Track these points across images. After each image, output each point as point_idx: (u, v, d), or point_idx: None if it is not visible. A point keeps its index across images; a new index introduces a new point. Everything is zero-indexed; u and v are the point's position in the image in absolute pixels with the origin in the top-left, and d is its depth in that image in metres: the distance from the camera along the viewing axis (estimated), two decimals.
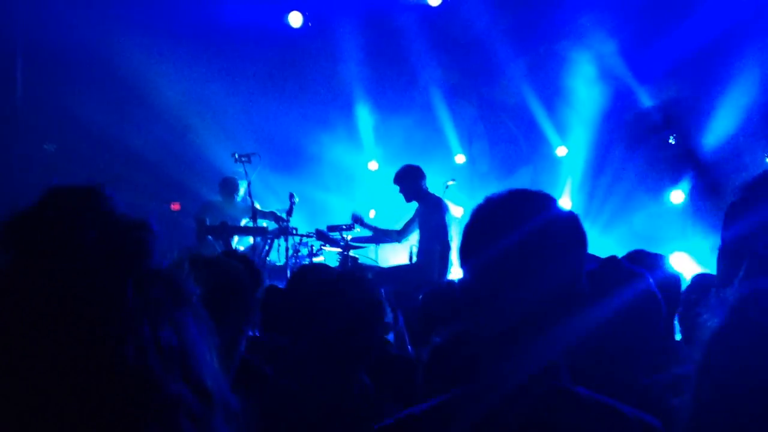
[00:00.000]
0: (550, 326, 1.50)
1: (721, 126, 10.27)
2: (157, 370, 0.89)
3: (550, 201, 1.59)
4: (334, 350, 2.47)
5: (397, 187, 8.27)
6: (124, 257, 0.93)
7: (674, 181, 11.02)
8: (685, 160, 10.86)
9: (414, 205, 8.36)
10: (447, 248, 7.85)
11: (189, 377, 0.92)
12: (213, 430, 0.92)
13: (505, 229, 1.50)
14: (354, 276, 2.79)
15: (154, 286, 0.94)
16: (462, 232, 1.62)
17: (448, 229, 7.92)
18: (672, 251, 9.00)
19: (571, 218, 1.58)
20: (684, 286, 3.28)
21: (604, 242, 10.83)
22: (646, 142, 11.46)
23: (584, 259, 1.57)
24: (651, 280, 2.32)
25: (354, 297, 2.55)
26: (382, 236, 8.93)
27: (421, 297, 3.45)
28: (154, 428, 0.86)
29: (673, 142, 11.26)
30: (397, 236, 8.62)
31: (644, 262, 2.91)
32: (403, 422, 1.55)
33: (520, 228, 1.49)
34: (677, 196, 10.93)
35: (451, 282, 4.19)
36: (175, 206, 11.57)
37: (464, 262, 1.59)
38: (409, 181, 8.19)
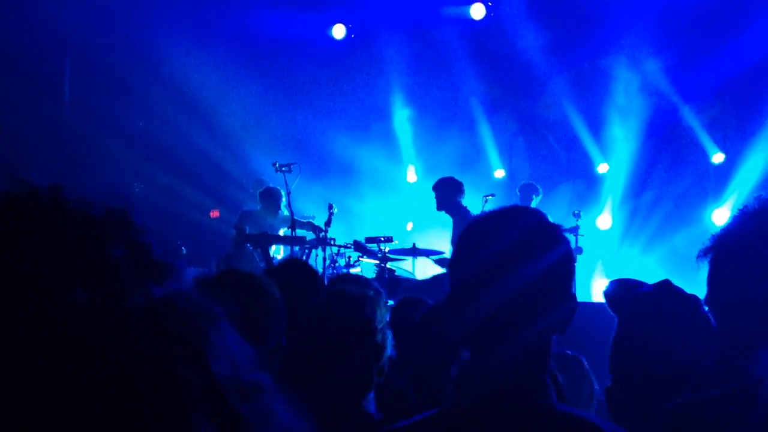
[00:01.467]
0: (538, 346, 1.53)
1: (766, 145, 10.11)
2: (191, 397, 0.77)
3: (536, 216, 1.61)
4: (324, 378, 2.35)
5: (434, 194, 8.39)
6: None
7: (718, 201, 10.85)
8: (728, 180, 10.70)
9: (441, 215, 8.45)
10: None
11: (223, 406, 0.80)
12: None
13: (488, 248, 1.53)
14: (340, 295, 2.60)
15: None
16: (451, 253, 1.66)
17: None
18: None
19: (556, 235, 1.57)
20: None
21: (644, 262, 10.70)
22: (689, 161, 11.31)
23: (571, 277, 1.56)
24: (703, 304, 2.32)
25: (339, 319, 2.43)
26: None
27: (418, 317, 3.40)
28: None
29: (717, 162, 11.10)
30: None
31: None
32: None
33: (503, 246, 1.51)
34: (721, 215, 10.75)
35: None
36: (215, 214, 11.70)
37: (451, 277, 1.61)
38: (447, 190, 8.29)
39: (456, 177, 8.49)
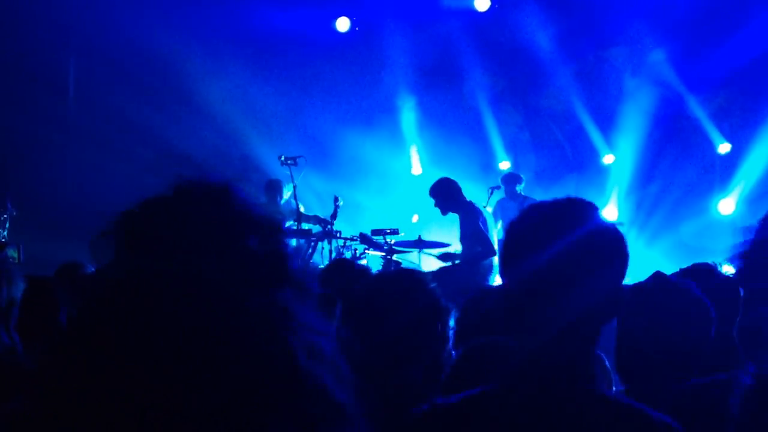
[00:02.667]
0: (588, 335, 1.55)
1: None
2: (318, 376, 0.95)
3: (593, 210, 1.60)
4: (391, 349, 2.38)
5: (434, 201, 8.23)
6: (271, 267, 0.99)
7: (724, 191, 10.84)
8: (735, 170, 10.68)
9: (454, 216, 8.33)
10: (488, 253, 7.81)
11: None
12: None
13: (547, 239, 1.52)
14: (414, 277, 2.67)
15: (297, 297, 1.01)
16: (504, 240, 1.65)
17: (488, 233, 7.89)
18: (720, 262, 8.83)
19: (613, 230, 1.60)
20: None
21: (650, 254, 10.68)
22: (695, 152, 11.28)
23: (624, 271, 1.60)
24: (695, 286, 2.40)
25: (413, 297, 2.49)
26: (472, 262, 8.64)
27: (463, 302, 3.43)
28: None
29: (723, 152, 11.07)
30: (483, 254, 8.32)
31: (697, 272, 3.04)
32: (438, 408, 1.61)
33: (562, 238, 1.51)
34: (727, 206, 10.73)
35: (495, 289, 4.17)
36: None
37: (505, 270, 1.62)
38: (444, 194, 8.14)
39: (458, 168, 8.43)
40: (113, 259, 0.98)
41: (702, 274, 3.05)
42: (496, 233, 8.23)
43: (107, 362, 0.89)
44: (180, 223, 0.98)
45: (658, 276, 2.46)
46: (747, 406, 1.55)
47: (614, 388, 3.37)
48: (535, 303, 1.54)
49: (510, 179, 10.14)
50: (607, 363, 3.53)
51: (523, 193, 10.05)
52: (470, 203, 8.19)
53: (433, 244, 8.90)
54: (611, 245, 1.58)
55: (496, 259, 7.70)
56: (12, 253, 7.35)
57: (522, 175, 10.26)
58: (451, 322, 2.49)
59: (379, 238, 8.78)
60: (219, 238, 0.97)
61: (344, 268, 3.54)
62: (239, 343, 0.91)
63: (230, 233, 0.98)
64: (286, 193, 9.54)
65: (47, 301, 3.48)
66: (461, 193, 8.18)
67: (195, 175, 1.08)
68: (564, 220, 1.56)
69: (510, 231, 1.62)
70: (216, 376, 0.90)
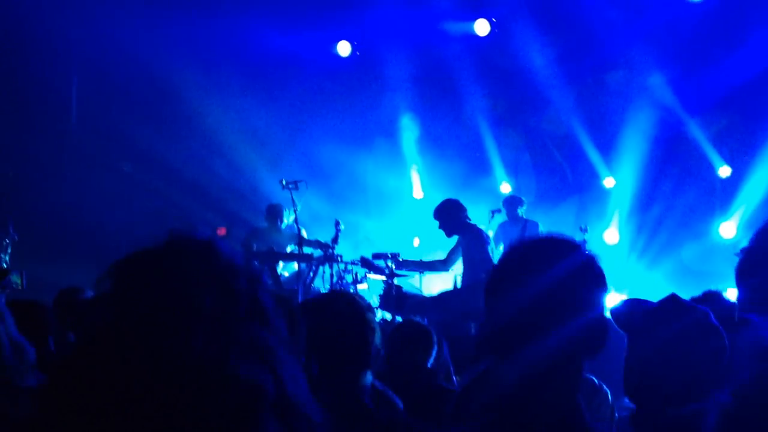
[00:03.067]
0: (571, 371, 1.59)
1: None
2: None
3: (573, 248, 1.66)
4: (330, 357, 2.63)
5: (437, 223, 8.20)
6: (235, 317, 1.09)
7: (725, 215, 10.83)
8: (735, 194, 10.68)
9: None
10: None
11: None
12: None
13: (529, 273, 1.59)
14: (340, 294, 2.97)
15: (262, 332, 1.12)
16: (490, 273, 1.71)
17: (492, 258, 7.85)
18: (721, 287, 8.80)
19: (592, 265, 1.64)
20: None
21: (652, 277, 10.66)
22: (696, 175, 11.29)
23: (603, 302, 1.64)
24: (712, 315, 2.34)
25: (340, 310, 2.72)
26: (427, 268, 8.93)
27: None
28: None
29: (724, 175, 11.07)
30: (442, 266, 8.55)
31: (710, 299, 2.98)
32: None
33: (544, 272, 1.57)
34: (728, 229, 10.72)
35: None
36: (221, 231, 11.71)
37: (488, 301, 1.67)
38: (448, 215, 8.07)
39: (459, 191, 8.43)
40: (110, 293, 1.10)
41: (714, 301, 3.03)
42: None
43: (113, 383, 1.00)
44: (169, 275, 1.09)
45: (672, 298, 2.41)
46: (724, 423, 1.55)
47: (617, 415, 3.35)
48: (515, 336, 1.58)
49: (512, 202, 10.14)
50: (608, 393, 3.51)
51: (524, 216, 10.04)
52: (476, 226, 8.13)
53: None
54: (590, 278, 1.62)
55: None
56: (15, 279, 7.35)
57: (524, 198, 10.27)
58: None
59: (380, 262, 8.75)
60: (205, 285, 1.09)
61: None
62: (234, 371, 1.04)
63: (216, 280, 1.10)
64: (288, 218, 9.54)
65: (36, 325, 3.50)
66: (466, 214, 8.13)
67: (184, 229, 1.18)
68: (547, 256, 1.61)
69: (497, 265, 1.70)
70: (214, 400, 1.01)
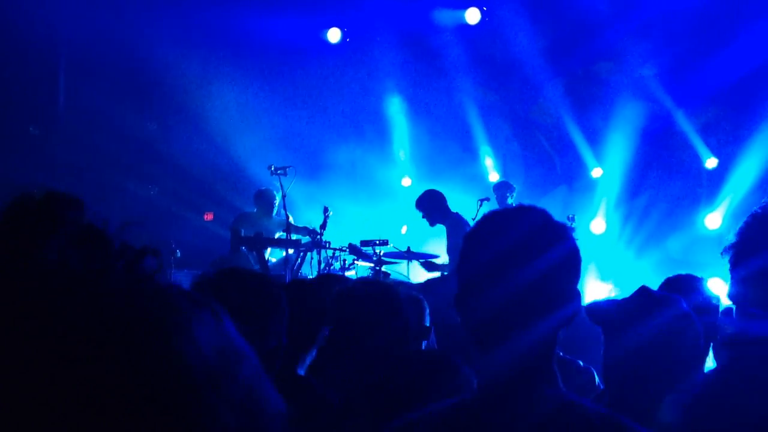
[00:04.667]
0: (546, 339, 1.55)
1: (759, 151, 10.17)
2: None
3: (545, 216, 1.63)
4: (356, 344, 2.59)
5: (421, 213, 8.29)
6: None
7: (711, 206, 10.91)
8: (722, 185, 10.75)
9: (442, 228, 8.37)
10: None
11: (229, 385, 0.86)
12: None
13: (494, 242, 1.57)
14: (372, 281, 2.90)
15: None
16: (462, 248, 1.67)
17: None
18: (707, 277, 8.86)
19: (565, 233, 1.60)
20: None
21: (639, 266, 10.73)
22: (682, 166, 11.36)
23: (578, 272, 1.60)
24: (683, 302, 2.40)
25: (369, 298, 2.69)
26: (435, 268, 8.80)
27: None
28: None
29: (711, 167, 11.15)
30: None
31: (681, 286, 3.00)
32: (408, 424, 1.63)
33: (507, 239, 1.55)
34: (713, 220, 10.80)
35: None
36: (208, 216, 11.70)
37: (459, 275, 1.64)
38: (431, 204, 8.21)
39: (447, 180, 8.45)
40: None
41: (686, 286, 3.06)
42: None
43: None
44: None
45: (643, 291, 2.46)
46: (691, 410, 1.57)
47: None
48: (484, 311, 1.55)
49: (502, 186, 10.14)
50: (596, 377, 3.55)
51: (514, 204, 10.06)
52: (457, 214, 8.22)
53: (422, 255, 8.91)
54: (559, 249, 1.58)
55: None
56: None
57: (515, 185, 10.27)
58: None
59: (368, 249, 8.77)
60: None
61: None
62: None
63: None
64: (276, 203, 9.53)
65: None
66: (446, 204, 8.25)
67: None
68: (512, 226, 1.59)
69: (464, 241, 1.65)
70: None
